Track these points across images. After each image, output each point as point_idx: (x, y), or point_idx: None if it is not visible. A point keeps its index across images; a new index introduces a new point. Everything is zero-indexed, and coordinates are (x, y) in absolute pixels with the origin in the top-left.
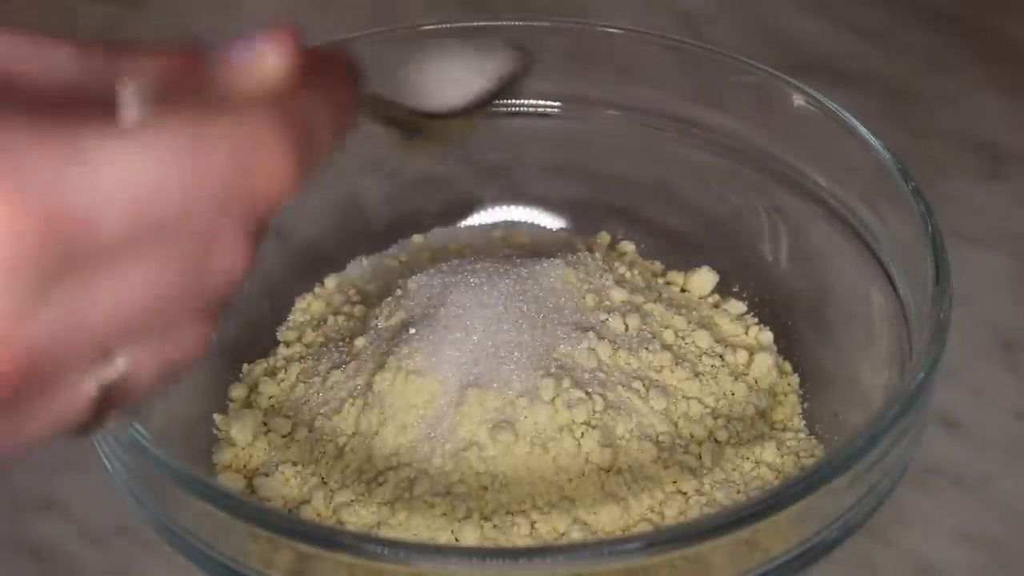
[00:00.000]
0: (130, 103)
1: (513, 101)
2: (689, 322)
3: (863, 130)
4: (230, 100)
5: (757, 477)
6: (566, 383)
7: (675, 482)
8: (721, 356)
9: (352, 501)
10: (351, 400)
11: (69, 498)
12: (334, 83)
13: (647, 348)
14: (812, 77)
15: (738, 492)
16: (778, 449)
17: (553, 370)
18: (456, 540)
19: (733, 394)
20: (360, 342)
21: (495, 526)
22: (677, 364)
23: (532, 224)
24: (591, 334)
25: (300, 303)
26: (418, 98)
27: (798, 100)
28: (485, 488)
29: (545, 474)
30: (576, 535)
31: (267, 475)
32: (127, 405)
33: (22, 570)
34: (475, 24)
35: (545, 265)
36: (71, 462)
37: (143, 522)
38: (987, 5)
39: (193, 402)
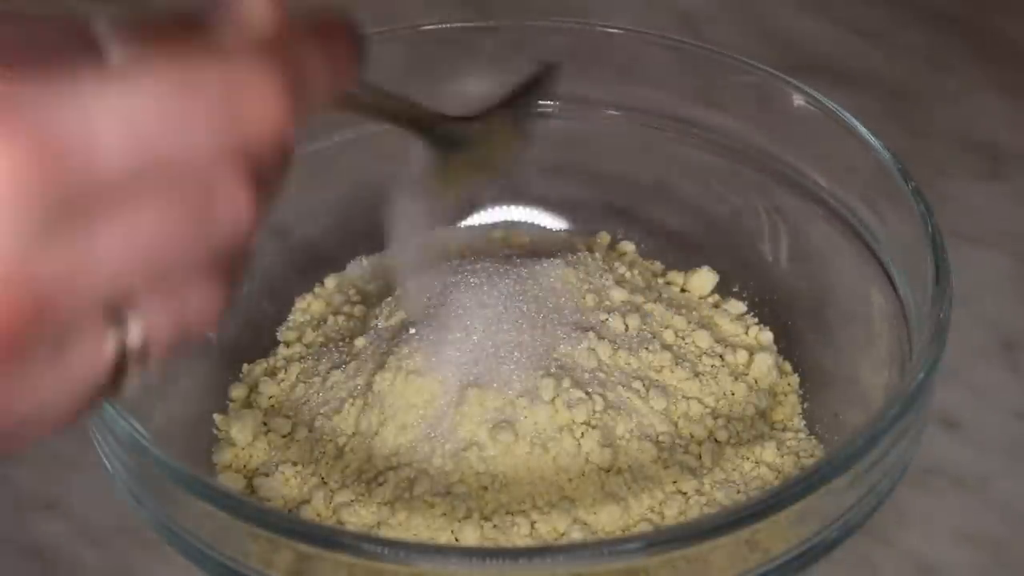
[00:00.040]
0: (113, 43)
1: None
2: (689, 322)
3: (863, 130)
4: (220, 42)
5: (757, 477)
6: (566, 383)
7: (675, 482)
8: (721, 356)
9: (352, 501)
10: (351, 400)
11: (70, 498)
12: (332, 37)
13: (647, 348)
14: (812, 77)
15: (738, 492)
16: (778, 449)
17: (553, 370)
18: (456, 540)
19: (733, 394)
20: (360, 342)
21: (495, 526)
22: (677, 364)
23: (532, 224)
24: (591, 334)
25: (300, 303)
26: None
27: (798, 100)
28: (485, 488)
29: (545, 474)
30: (576, 535)
31: (267, 475)
32: (144, 371)
33: (23, 570)
34: (475, 24)
35: (545, 265)
36: (72, 462)
37: (143, 522)
38: (987, 5)
39: (193, 402)
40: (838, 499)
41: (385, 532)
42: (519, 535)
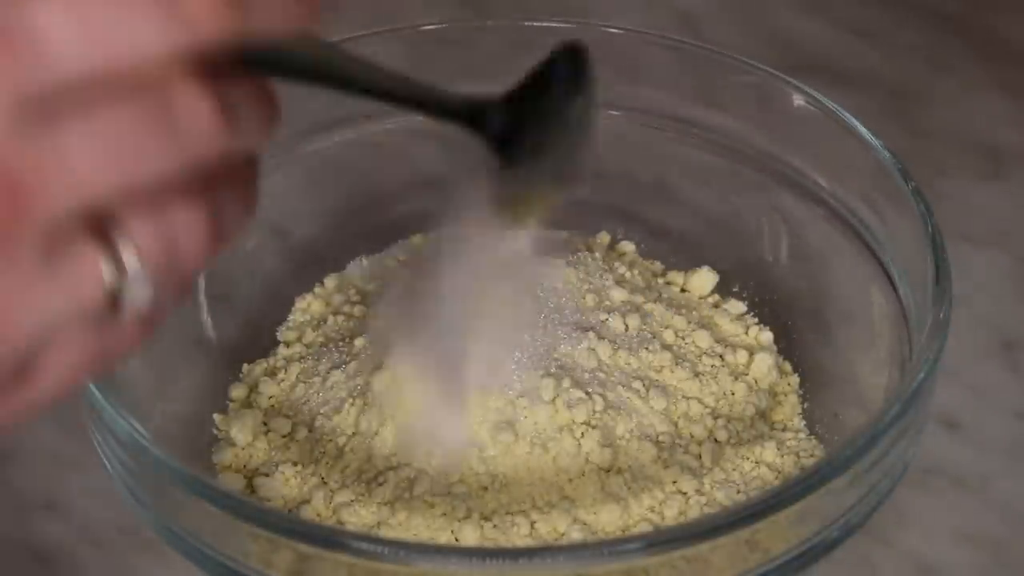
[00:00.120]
0: None
1: None
2: (689, 322)
3: (863, 130)
4: None
5: (757, 477)
6: (566, 383)
7: (675, 482)
8: (721, 356)
9: (352, 501)
10: (351, 400)
11: (70, 498)
12: None
13: (647, 348)
14: (812, 77)
15: (738, 492)
16: (778, 449)
17: (553, 370)
18: (456, 540)
19: (733, 394)
20: (360, 342)
21: (495, 526)
22: (677, 364)
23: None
24: (591, 334)
25: (300, 303)
26: None
27: (798, 100)
28: (485, 488)
29: (545, 474)
30: (576, 535)
31: (267, 475)
32: (143, 308)
33: (23, 570)
34: (475, 24)
35: (545, 265)
36: (72, 462)
37: (143, 522)
38: (986, 5)
39: (193, 402)
40: (838, 499)
41: (385, 532)
42: (519, 535)
